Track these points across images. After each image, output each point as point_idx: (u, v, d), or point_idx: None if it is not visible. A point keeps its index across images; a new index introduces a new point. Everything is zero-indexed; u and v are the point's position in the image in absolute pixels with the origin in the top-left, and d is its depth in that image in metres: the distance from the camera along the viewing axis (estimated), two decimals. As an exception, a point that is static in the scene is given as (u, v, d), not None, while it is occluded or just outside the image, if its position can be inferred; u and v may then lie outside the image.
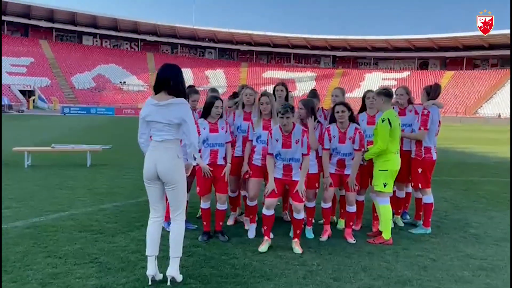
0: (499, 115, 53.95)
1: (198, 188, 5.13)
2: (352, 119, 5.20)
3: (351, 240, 5.13)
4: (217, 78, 74.62)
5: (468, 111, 60.14)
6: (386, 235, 5.07)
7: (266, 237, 4.86)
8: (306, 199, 5.06)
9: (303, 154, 4.75)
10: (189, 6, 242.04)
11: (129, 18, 76.19)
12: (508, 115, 53.02)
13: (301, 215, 4.82)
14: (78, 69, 68.28)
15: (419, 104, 5.80)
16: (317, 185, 5.35)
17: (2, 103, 49.29)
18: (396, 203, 5.90)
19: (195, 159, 4.13)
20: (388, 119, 4.97)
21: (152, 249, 3.84)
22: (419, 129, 5.50)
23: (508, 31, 61.12)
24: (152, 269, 3.80)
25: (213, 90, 5.98)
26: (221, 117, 5.12)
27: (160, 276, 3.88)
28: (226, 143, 5.10)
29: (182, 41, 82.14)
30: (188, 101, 4.77)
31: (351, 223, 5.30)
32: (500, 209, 7.02)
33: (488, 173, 11.33)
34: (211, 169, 4.99)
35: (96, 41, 78.52)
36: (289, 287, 3.80)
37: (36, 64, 65.17)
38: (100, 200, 6.98)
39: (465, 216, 6.52)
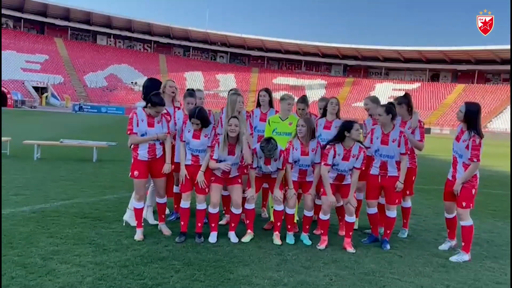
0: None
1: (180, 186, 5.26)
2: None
3: (351, 249, 5.07)
4: (227, 82, 75.30)
5: (477, 125, 59.90)
6: None
7: (249, 230, 5.30)
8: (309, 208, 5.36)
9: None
10: (203, 10, 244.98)
11: (143, 19, 77.38)
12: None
13: (281, 207, 5.32)
14: (91, 68, 69.51)
15: None
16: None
17: (16, 98, 50.52)
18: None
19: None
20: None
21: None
22: (420, 141, 5.83)
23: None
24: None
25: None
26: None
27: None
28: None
29: (194, 44, 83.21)
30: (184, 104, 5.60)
31: (350, 233, 5.23)
32: (478, 217, 7.36)
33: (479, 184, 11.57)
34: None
35: (110, 41, 79.89)
36: (263, 272, 4.23)
37: (50, 61, 66.50)
38: (102, 191, 7.48)
39: (443, 221, 6.86)
